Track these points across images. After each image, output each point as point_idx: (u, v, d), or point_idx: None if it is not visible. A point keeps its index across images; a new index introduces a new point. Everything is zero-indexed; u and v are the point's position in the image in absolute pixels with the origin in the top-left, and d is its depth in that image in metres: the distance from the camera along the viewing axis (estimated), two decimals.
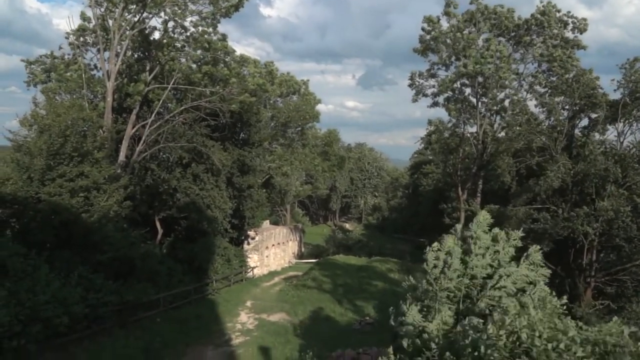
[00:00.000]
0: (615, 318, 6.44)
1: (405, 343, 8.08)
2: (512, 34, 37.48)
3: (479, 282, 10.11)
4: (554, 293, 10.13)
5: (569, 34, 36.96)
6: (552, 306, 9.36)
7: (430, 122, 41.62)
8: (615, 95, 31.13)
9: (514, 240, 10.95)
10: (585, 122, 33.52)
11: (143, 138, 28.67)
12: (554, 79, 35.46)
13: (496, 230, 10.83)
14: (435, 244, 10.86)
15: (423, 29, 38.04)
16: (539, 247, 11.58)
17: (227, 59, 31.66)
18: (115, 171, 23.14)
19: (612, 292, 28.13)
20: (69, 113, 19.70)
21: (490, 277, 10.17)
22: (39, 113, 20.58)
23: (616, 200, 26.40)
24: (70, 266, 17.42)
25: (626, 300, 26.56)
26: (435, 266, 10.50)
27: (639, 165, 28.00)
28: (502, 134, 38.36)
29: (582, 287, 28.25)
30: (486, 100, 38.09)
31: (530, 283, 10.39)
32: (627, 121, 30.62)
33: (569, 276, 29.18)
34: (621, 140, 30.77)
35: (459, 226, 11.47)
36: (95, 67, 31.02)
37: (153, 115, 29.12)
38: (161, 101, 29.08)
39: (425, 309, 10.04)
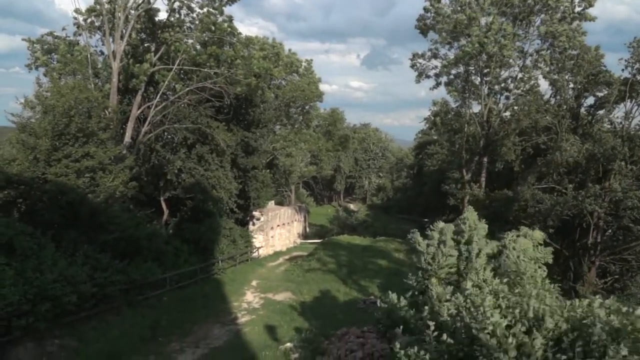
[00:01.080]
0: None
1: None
2: (516, 10, 36.60)
3: (472, 256, 10.14)
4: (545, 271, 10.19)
5: (576, 8, 35.94)
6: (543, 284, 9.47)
7: (434, 103, 41.34)
8: (623, 74, 30.76)
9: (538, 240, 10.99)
10: (591, 100, 33.21)
11: (148, 119, 28.67)
12: (558, 55, 34.86)
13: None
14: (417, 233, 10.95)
15: (425, 9, 37.45)
16: (542, 232, 11.70)
17: (232, 40, 31.43)
18: (120, 152, 23.18)
19: (616, 271, 28.21)
20: (72, 93, 19.65)
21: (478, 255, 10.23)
22: (43, 94, 20.53)
23: (625, 179, 26.31)
24: (76, 245, 17.61)
25: (630, 279, 26.66)
26: (429, 245, 10.58)
27: None
28: (507, 113, 38.00)
29: (586, 267, 28.33)
30: (490, 79, 37.67)
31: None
32: (634, 100, 30.25)
33: (573, 255, 29.26)
34: (629, 119, 30.50)
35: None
36: (102, 52, 30.95)
37: (158, 96, 29.07)
38: (166, 82, 28.98)
39: (424, 288, 10.13)
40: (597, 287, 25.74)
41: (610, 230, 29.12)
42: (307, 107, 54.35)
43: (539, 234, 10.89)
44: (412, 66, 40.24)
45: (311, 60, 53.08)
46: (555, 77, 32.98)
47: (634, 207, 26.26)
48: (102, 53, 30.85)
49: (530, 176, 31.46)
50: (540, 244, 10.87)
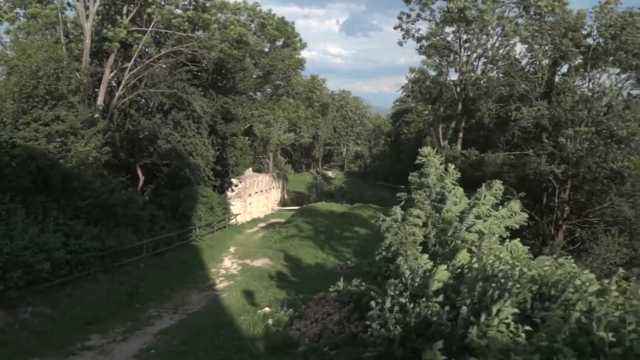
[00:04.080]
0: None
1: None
2: None
3: (454, 224, 10.21)
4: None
5: None
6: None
7: (411, 71, 41.24)
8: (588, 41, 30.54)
9: (497, 190, 11.11)
10: (565, 69, 33.33)
11: (122, 83, 27.80)
12: (536, 21, 34.72)
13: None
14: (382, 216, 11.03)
15: None
16: (518, 195, 11.88)
17: (207, 4, 30.45)
18: (92, 115, 22.50)
19: (582, 235, 29.05)
20: (39, 53, 18.80)
21: (462, 220, 10.29)
22: (6, 53, 19.58)
23: (579, 139, 26.91)
24: (46, 212, 17.21)
25: (594, 242, 27.50)
26: (395, 219, 10.58)
27: (608, 110, 28.31)
28: (484, 80, 38.17)
29: (554, 231, 29.16)
30: (469, 45, 37.71)
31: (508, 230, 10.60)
32: (598, 68, 30.10)
33: (542, 220, 30.06)
34: (591, 86, 30.58)
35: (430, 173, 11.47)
36: (69, 4, 29.40)
37: (133, 59, 28.11)
38: (140, 45, 27.98)
39: (397, 256, 10.19)
40: (565, 249, 26.54)
41: (572, 194, 29.82)
42: (287, 76, 53.14)
43: (516, 205, 11.00)
44: (398, 27, 39.76)
45: (293, 22, 51.40)
46: (530, 41, 32.70)
47: (589, 167, 27.01)
48: (69, 4, 29.27)
49: (500, 140, 31.98)
50: (517, 213, 11.03)
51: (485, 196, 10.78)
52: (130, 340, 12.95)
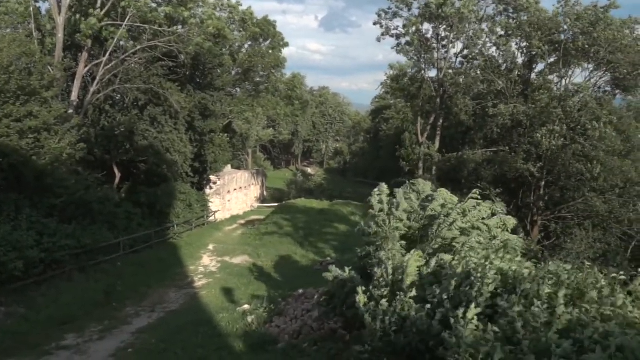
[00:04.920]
0: None
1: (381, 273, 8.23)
2: None
3: (439, 221, 10.32)
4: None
5: None
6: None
7: (391, 67, 41.50)
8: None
9: (499, 209, 11.23)
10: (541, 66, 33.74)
11: (97, 78, 27.25)
12: (512, 21, 35.12)
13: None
14: (376, 189, 11.13)
15: None
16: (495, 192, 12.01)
17: None
18: (66, 111, 22.04)
19: (557, 230, 29.59)
20: (11, 47, 18.33)
21: (447, 216, 10.40)
22: None
23: (553, 137, 27.33)
24: (19, 209, 16.86)
25: (568, 237, 28.01)
26: (381, 210, 10.70)
27: (581, 107, 28.74)
28: (462, 77, 38.53)
29: (529, 226, 29.66)
30: (446, 43, 38.13)
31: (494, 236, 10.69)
32: (572, 64, 30.44)
33: (518, 215, 30.54)
34: (564, 82, 30.99)
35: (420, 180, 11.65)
36: None
37: (107, 54, 27.57)
38: (115, 40, 27.45)
39: (377, 250, 10.27)
40: (540, 244, 26.97)
41: (547, 190, 30.33)
42: (268, 73, 52.72)
43: (511, 221, 11.03)
44: (376, 23, 39.88)
45: (275, 21, 50.99)
46: (500, 42, 32.95)
47: (564, 164, 27.52)
48: None
49: (478, 137, 32.33)
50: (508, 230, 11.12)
51: (481, 206, 10.82)
52: (107, 339, 12.78)
